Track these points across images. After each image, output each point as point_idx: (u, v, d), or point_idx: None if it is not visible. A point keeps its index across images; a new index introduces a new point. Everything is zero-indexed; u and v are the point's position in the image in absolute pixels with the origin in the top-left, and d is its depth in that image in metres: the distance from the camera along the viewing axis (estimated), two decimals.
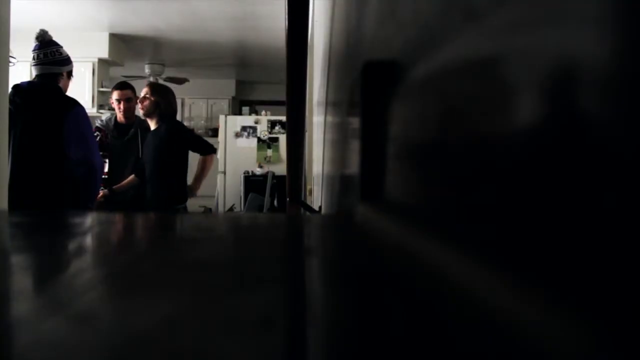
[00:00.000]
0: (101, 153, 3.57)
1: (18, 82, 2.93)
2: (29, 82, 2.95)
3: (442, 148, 0.38)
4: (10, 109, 2.63)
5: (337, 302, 0.34)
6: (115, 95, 3.72)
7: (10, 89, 2.73)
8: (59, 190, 2.72)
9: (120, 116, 3.70)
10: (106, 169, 3.67)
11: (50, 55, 2.92)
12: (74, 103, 2.88)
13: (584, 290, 0.18)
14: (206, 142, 3.69)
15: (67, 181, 2.75)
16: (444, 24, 0.37)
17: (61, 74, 2.93)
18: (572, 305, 0.18)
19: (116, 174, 3.66)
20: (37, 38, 2.94)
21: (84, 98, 5.95)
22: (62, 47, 3.00)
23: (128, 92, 3.70)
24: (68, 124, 2.75)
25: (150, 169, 3.43)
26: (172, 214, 2.34)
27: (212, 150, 3.65)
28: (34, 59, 2.91)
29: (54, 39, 2.99)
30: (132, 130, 3.69)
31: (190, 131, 3.64)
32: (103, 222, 0.82)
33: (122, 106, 3.68)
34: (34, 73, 2.93)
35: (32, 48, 2.93)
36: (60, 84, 2.93)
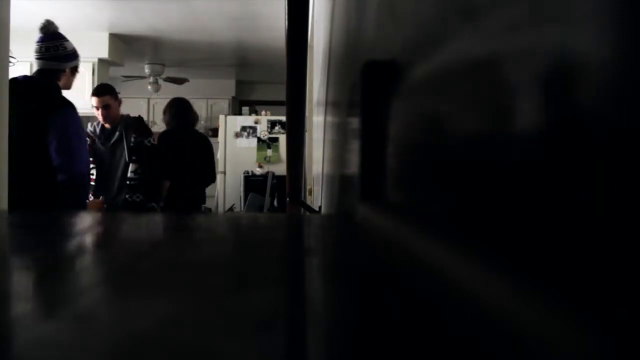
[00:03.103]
0: (91, 159, 3.49)
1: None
2: (24, 77, 2.70)
3: (442, 148, 0.38)
4: None
5: (337, 302, 0.34)
6: (93, 102, 3.47)
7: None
8: (41, 195, 2.52)
9: (102, 122, 3.50)
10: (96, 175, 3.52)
11: (53, 50, 2.69)
12: (63, 105, 2.62)
13: (584, 290, 0.18)
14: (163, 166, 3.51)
15: (49, 186, 2.53)
16: (444, 24, 0.37)
17: (63, 71, 2.70)
18: (572, 305, 0.18)
19: (105, 179, 3.50)
20: (42, 29, 2.72)
21: (84, 98, 5.93)
22: (67, 40, 2.77)
23: (106, 99, 3.43)
24: (53, 127, 2.52)
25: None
26: (172, 215, 2.34)
27: (165, 177, 3.50)
28: (35, 51, 2.67)
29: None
30: (117, 133, 3.48)
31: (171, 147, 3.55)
32: (104, 223, 0.82)
33: (100, 113, 3.43)
34: (34, 67, 2.70)
35: (36, 40, 2.70)
36: (61, 81, 2.69)
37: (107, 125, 3.52)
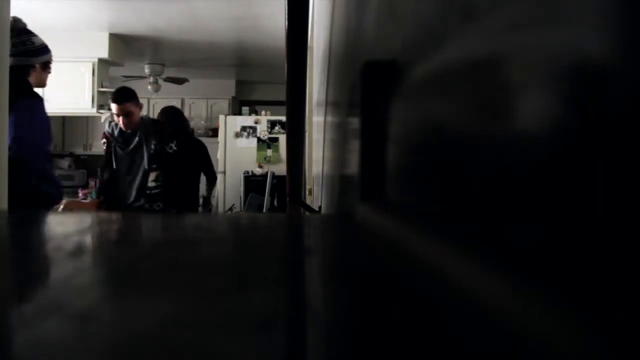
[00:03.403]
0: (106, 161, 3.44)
1: None
2: None
3: (442, 148, 0.38)
4: None
5: (337, 302, 0.34)
6: (113, 109, 3.32)
7: None
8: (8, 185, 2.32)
9: (123, 129, 3.37)
10: (109, 178, 3.44)
11: (20, 45, 2.56)
12: (29, 95, 2.49)
13: (584, 290, 0.18)
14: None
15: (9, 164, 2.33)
16: (444, 24, 0.37)
17: (32, 66, 2.58)
18: (572, 305, 0.18)
19: (123, 187, 3.39)
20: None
21: (84, 98, 5.94)
22: (35, 35, 2.66)
23: (127, 106, 3.26)
24: (12, 118, 2.36)
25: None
26: (172, 215, 2.34)
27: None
28: None
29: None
30: (137, 139, 3.35)
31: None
32: (103, 223, 0.82)
33: (122, 120, 3.29)
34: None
35: None
36: (32, 77, 2.57)
37: (127, 131, 3.37)
